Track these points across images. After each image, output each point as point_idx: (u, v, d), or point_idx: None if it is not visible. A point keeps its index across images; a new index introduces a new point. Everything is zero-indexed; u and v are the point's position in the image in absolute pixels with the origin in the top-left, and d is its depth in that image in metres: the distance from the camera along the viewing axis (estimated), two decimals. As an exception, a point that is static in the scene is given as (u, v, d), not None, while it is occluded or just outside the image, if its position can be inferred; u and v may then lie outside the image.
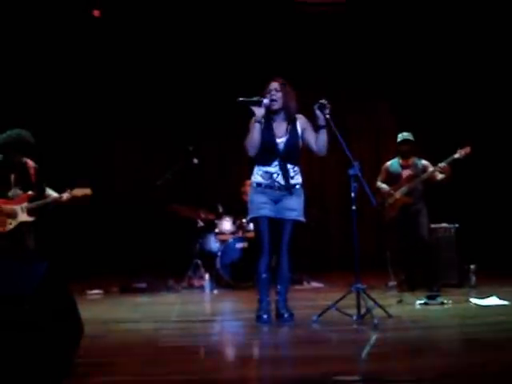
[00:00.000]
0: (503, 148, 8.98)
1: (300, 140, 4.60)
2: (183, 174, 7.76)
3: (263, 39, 9.31)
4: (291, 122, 4.58)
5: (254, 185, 4.59)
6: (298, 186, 4.59)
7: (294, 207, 4.54)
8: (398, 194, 6.41)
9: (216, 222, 7.63)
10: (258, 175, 4.59)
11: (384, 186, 6.54)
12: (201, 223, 7.65)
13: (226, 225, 7.56)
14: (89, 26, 8.62)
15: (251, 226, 7.37)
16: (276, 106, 4.52)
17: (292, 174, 4.55)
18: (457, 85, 9.31)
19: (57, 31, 8.56)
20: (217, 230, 7.60)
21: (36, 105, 8.52)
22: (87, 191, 5.66)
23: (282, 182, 4.51)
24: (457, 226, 6.77)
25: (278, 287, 4.55)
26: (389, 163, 6.64)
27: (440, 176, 6.22)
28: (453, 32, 9.04)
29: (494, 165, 9.00)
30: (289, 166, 4.53)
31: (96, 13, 8.34)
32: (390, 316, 4.39)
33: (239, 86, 9.12)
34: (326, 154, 4.57)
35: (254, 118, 4.49)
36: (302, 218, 4.58)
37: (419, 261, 6.26)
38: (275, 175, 4.52)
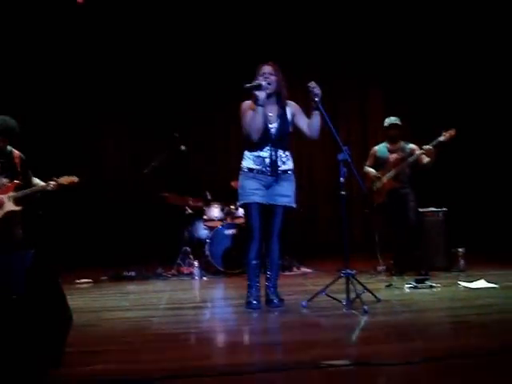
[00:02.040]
0: (491, 131, 9.02)
1: (291, 125, 4.57)
2: (171, 161, 7.73)
3: (253, 24, 9.27)
4: (282, 107, 4.54)
5: (245, 170, 4.52)
6: (289, 172, 4.55)
7: (286, 193, 4.51)
8: (385, 179, 6.44)
9: (204, 208, 7.62)
10: (249, 160, 4.52)
11: (371, 170, 6.57)
12: (189, 210, 7.64)
13: (215, 211, 7.56)
14: (73, 12, 8.52)
15: (240, 212, 7.38)
16: (270, 89, 4.43)
17: (284, 159, 4.52)
18: (444, 69, 9.33)
19: (41, 19, 8.46)
20: (205, 217, 7.60)
21: (20, 92, 8.42)
22: (74, 179, 5.61)
23: (274, 168, 4.46)
24: (445, 209, 6.80)
25: (268, 273, 4.55)
26: (376, 148, 6.67)
27: (426, 159, 6.24)
28: (443, 18, 9.04)
29: (481, 148, 9.04)
30: (280, 151, 4.49)
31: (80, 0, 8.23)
32: (378, 300, 4.42)
33: (227, 71, 9.14)
34: (318, 137, 4.52)
35: (258, 101, 4.37)
36: (293, 205, 4.56)
37: (407, 245, 6.29)
38: (267, 160, 4.46)
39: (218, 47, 9.36)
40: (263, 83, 4.38)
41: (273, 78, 4.46)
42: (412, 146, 6.45)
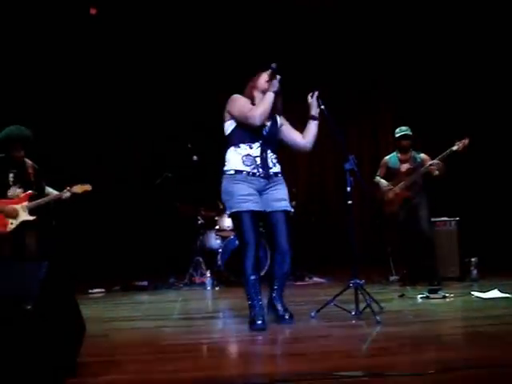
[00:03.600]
0: (504, 140, 8.97)
1: (279, 133, 4.29)
2: (183, 171, 7.76)
3: (259, 36, 9.28)
4: (273, 112, 4.22)
5: (232, 172, 4.03)
6: (280, 175, 4.21)
7: (283, 197, 4.16)
8: (397, 189, 6.42)
9: (217, 218, 7.63)
10: (236, 160, 4.06)
11: (383, 181, 6.56)
12: (201, 220, 7.65)
13: (227, 221, 7.56)
14: (86, 23, 8.59)
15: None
16: (277, 88, 4.14)
17: (274, 160, 4.17)
18: (456, 78, 9.30)
19: (54, 29, 8.53)
20: (217, 227, 7.60)
21: (31, 101, 8.48)
22: (87, 187, 5.64)
23: (265, 169, 4.06)
24: (458, 219, 6.78)
25: (276, 284, 4.15)
26: (387, 158, 6.66)
27: (436, 172, 6.22)
28: (450, 26, 9.03)
29: (494, 157, 8.99)
30: (270, 151, 4.13)
31: (92, 11, 8.31)
32: (381, 309, 4.38)
33: (236, 81, 9.16)
34: (311, 149, 4.30)
35: (273, 88, 4.08)
36: (291, 209, 4.24)
37: (420, 255, 6.26)
38: (258, 159, 4.05)
39: (227, 59, 9.36)
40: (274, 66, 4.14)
41: (278, 77, 4.18)
42: (423, 155, 6.45)
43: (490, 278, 6.30)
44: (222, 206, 7.71)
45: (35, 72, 8.66)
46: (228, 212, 4.15)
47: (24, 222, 5.29)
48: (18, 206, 5.29)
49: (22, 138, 5.26)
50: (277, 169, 4.17)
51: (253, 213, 3.98)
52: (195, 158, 7.54)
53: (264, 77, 4.20)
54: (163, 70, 9.45)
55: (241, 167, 4.02)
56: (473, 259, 6.48)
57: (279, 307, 4.12)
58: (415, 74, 9.53)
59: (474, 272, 6.44)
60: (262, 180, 4.05)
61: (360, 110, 10.13)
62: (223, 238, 7.45)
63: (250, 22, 9.15)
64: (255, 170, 4.03)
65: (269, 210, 4.09)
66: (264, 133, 4.13)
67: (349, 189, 4.33)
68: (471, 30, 8.83)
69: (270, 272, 4.26)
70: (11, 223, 5.26)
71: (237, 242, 7.25)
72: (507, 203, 8.84)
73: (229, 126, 4.15)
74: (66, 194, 5.55)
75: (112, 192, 9.22)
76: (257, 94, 4.20)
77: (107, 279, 7.52)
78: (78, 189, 5.60)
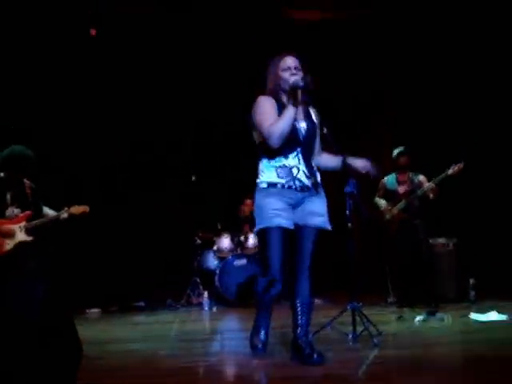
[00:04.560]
0: (501, 162, 8.97)
1: (317, 134, 3.70)
2: (181, 190, 7.77)
3: (257, 60, 9.29)
4: (306, 107, 3.66)
5: (264, 185, 3.53)
6: (320, 186, 3.63)
7: (320, 211, 3.57)
8: (395, 210, 6.44)
9: (214, 239, 7.63)
10: (270, 172, 3.53)
11: (382, 202, 6.58)
12: (199, 241, 7.65)
13: (225, 242, 7.57)
14: (86, 44, 8.63)
15: (250, 242, 7.35)
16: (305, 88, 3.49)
17: (313, 169, 3.60)
18: (453, 100, 9.33)
19: (55, 50, 8.56)
20: (215, 248, 7.60)
21: (31, 121, 8.48)
22: (85, 208, 5.61)
23: (305, 180, 3.52)
24: (455, 240, 6.78)
25: (299, 319, 3.57)
26: (385, 179, 6.69)
27: (431, 195, 6.27)
28: (448, 50, 9.06)
29: (491, 178, 8.99)
30: (307, 159, 3.56)
31: (93, 32, 8.36)
32: (380, 333, 4.34)
33: (235, 104, 9.17)
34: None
35: (296, 102, 3.44)
36: (328, 226, 3.62)
37: (418, 277, 6.26)
38: (295, 170, 3.50)
39: (223, 83, 9.37)
40: (300, 83, 3.47)
41: (300, 73, 3.56)
42: (421, 177, 6.48)
43: (488, 300, 6.28)
44: (220, 227, 7.73)
45: (36, 86, 8.66)
46: (256, 229, 3.59)
47: (21, 243, 5.27)
48: (15, 227, 5.27)
49: (24, 159, 5.26)
50: (316, 179, 3.60)
51: (282, 230, 3.46)
52: (194, 178, 7.56)
53: (288, 63, 3.59)
54: (159, 92, 9.44)
55: (275, 179, 3.50)
56: (470, 280, 6.47)
57: (303, 342, 3.51)
58: (416, 95, 9.55)
59: (472, 293, 6.44)
60: (298, 193, 3.51)
61: (361, 132, 10.14)
62: (221, 259, 7.45)
63: (247, 37, 9.16)
64: (291, 183, 3.49)
65: (300, 223, 3.54)
66: (300, 138, 3.54)
67: (348, 212, 4.32)
68: (469, 53, 8.86)
69: (291, 305, 3.65)
70: (8, 244, 5.23)
71: (234, 263, 7.26)
72: (504, 224, 8.83)
73: (258, 135, 3.57)
74: (64, 215, 5.53)
75: (111, 211, 9.20)
76: (282, 85, 3.59)
77: (104, 299, 7.48)
78: (76, 210, 5.57)
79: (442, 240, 6.82)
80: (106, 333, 5.33)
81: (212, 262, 7.66)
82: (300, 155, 3.53)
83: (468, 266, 6.75)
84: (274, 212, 3.45)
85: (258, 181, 3.60)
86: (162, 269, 8.71)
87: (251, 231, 7.53)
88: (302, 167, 3.52)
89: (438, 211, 6.90)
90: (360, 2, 8.55)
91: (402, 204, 6.41)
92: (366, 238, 8.73)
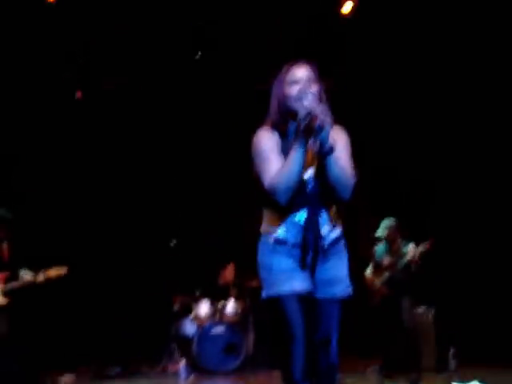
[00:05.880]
0: (482, 230, 9.03)
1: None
2: (160, 255, 7.71)
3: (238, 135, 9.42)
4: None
5: (271, 241, 2.73)
6: (341, 241, 2.82)
7: (339, 275, 2.80)
8: (378, 283, 6.41)
9: (193, 305, 7.52)
10: (276, 225, 2.74)
11: (368, 271, 6.56)
12: (177, 306, 7.54)
13: (203, 308, 7.44)
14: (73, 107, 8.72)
15: (229, 308, 7.27)
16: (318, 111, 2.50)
17: (332, 222, 2.77)
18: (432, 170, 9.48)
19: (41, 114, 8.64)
20: (193, 314, 7.48)
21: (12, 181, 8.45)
22: (63, 270, 5.56)
23: (317, 240, 2.72)
24: (434, 309, 6.78)
25: None
26: (376, 248, 6.62)
27: (412, 266, 6.28)
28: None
29: (472, 247, 9.05)
30: (325, 210, 2.74)
31: (79, 94, 8.47)
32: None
33: (218, 175, 9.29)
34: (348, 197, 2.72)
35: (302, 143, 2.55)
36: (349, 292, 2.84)
37: (399, 346, 6.20)
38: (309, 226, 2.70)
39: (206, 156, 9.48)
40: (305, 103, 2.53)
41: (314, 87, 2.68)
42: (410, 246, 6.38)
43: (469, 368, 6.22)
44: (198, 293, 7.62)
45: (24, 155, 8.70)
46: (264, 295, 2.78)
47: (-4, 306, 5.16)
48: (-10, 289, 5.17)
49: (2, 221, 5.23)
50: (335, 234, 2.78)
51: (298, 296, 2.68)
52: (173, 242, 7.53)
53: (298, 76, 2.71)
54: (143, 161, 9.49)
55: (283, 235, 2.72)
56: (451, 350, 6.43)
57: None
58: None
59: (453, 363, 6.38)
60: (312, 254, 2.72)
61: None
62: (199, 326, 7.32)
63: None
64: (303, 242, 2.71)
65: (320, 296, 2.76)
66: (308, 191, 2.71)
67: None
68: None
69: None
70: (-18, 306, 5.12)
71: (212, 330, 7.12)
72: (485, 291, 8.83)
73: (260, 181, 2.74)
74: (40, 278, 5.45)
75: (87, 275, 9.07)
76: (290, 107, 2.70)
77: (78, 364, 7.27)
78: (53, 273, 5.51)
79: (421, 310, 6.80)
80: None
81: (189, 328, 7.51)
82: (311, 211, 2.70)
83: (448, 335, 6.72)
84: (287, 274, 2.69)
85: (262, 230, 2.80)
86: (138, 334, 8.53)
87: (231, 297, 7.46)
88: (314, 224, 2.71)
89: (419, 279, 6.93)
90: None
91: (385, 276, 6.36)
92: (350, 306, 8.68)
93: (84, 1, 7.10)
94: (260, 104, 3.10)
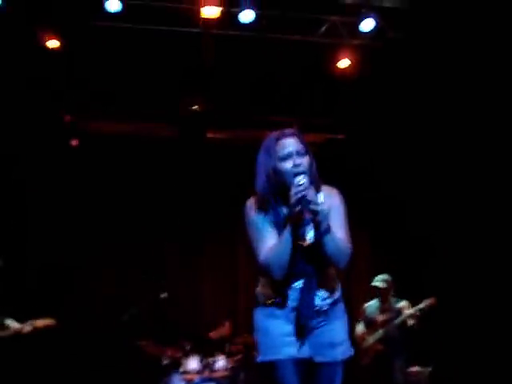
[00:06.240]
0: (476, 288, 8.94)
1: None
2: (150, 308, 7.55)
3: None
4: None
5: (269, 305, 2.78)
6: (339, 303, 2.85)
7: (338, 338, 2.79)
8: (371, 340, 6.25)
9: (182, 360, 7.31)
10: (273, 289, 2.77)
11: (359, 328, 6.40)
12: (165, 361, 7.32)
13: (193, 363, 7.23)
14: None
15: (219, 364, 7.07)
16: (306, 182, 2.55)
17: (329, 286, 2.78)
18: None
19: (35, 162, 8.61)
20: (182, 369, 7.26)
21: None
22: (51, 322, 5.42)
23: (317, 304, 2.72)
24: (430, 369, 6.62)
25: None
26: (366, 306, 6.51)
27: (411, 322, 6.14)
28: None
29: (465, 307, 8.95)
30: (322, 275, 2.75)
31: (74, 142, 8.48)
32: None
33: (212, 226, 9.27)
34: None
35: (291, 220, 2.59)
36: (351, 352, 2.87)
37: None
38: (306, 291, 2.71)
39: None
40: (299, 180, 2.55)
41: (305, 159, 2.69)
42: (403, 303, 6.30)
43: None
44: (188, 347, 7.43)
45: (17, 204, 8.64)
46: (260, 359, 2.77)
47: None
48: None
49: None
50: (335, 296, 2.81)
51: (296, 361, 2.70)
52: (163, 295, 7.37)
53: (288, 150, 2.69)
54: (136, 199, 9.46)
55: (279, 299, 2.75)
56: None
57: None
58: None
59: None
60: (309, 318, 2.72)
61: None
62: (187, 381, 7.09)
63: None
64: (301, 307, 2.70)
65: (318, 360, 2.74)
66: (305, 263, 2.71)
67: None
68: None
69: None
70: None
71: (203, 387, 6.91)
72: (483, 351, 8.67)
73: (254, 255, 2.77)
74: (27, 328, 5.30)
75: (74, 326, 8.87)
76: (282, 180, 2.69)
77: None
78: (41, 323, 5.37)
79: (416, 368, 6.64)
80: None
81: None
82: (309, 278, 2.71)
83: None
84: (283, 339, 2.71)
85: (257, 294, 2.84)
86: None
87: (222, 353, 7.28)
88: (311, 293, 2.70)
89: (413, 338, 6.80)
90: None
91: (378, 334, 6.22)
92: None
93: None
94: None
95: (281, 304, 2.74)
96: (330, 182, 2.89)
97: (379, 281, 6.34)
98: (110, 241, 9.45)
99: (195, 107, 8.11)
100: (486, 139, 7.89)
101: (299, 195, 2.51)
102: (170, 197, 9.57)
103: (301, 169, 2.62)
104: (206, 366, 7.25)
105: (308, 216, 2.57)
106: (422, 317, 6.07)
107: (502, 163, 7.50)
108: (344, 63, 7.31)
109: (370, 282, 6.47)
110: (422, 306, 6.05)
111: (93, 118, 8.65)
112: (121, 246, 9.46)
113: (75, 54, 7.15)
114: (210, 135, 8.83)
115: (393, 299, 6.38)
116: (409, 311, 6.07)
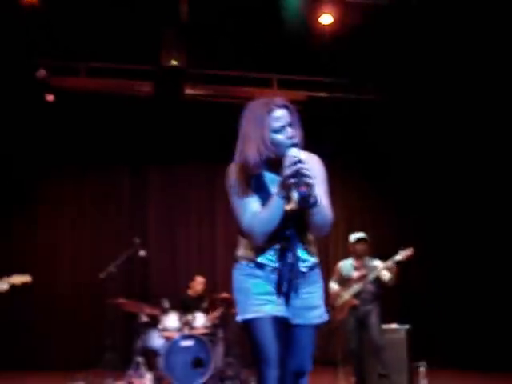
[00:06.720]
0: (454, 247, 9.06)
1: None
2: (129, 266, 7.52)
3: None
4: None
5: (244, 263, 2.77)
6: (316, 268, 2.85)
7: (315, 302, 2.82)
8: (346, 295, 6.28)
9: (161, 317, 7.30)
10: (253, 248, 2.74)
11: (335, 286, 6.41)
12: (144, 318, 7.31)
13: (171, 321, 7.22)
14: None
15: (198, 321, 7.09)
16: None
17: (309, 247, 2.80)
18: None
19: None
20: (161, 326, 7.25)
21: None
22: (27, 279, 5.33)
23: (299, 264, 2.74)
24: (407, 326, 6.68)
25: None
26: (341, 264, 6.49)
27: (386, 276, 6.15)
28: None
29: (443, 263, 9.08)
30: (302, 235, 2.77)
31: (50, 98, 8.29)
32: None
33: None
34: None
35: (284, 195, 2.58)
36: (325, 318, 2.87)
37: (370, 363, 6.10)
38: (287, 252, 2.72)
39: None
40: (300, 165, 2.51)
41: (295, 130, 2.70)
42: (377, 262, 6.33)
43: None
44: (166, 305, 7.41)
45: None
46: (240, 318, 2.76)
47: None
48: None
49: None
50: (311, 261, 2.80)
51: (275, 319, 2.69)
52: (142, 253, 7.32)
53: (282, 120, 2.67)
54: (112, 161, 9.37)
55: (260, 259, 2.73)
56: (422, 368, 6.34)
57: None
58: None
59: (424, 381, 6.30)
60: (289, 279, 2.72)
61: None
62: (166, 339, 7.10)
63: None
64: (281, 267, 2.72)
65: (296, 321, 2.78)
66: (290, 221, 2.71)
67: None
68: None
69: None
70: None
71: (181, 344, 6.91)
72: (458, 309, 8.81)
73: (236, 219, 2.76)
74: (4, 286, 5.22)
75: (53, 283, 8.86)
76: (273, 150, 2.66)
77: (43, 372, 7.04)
78: (17, 279, 5.28)
79: (394, 326, 6.71)
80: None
81: (157, 341, 7.28)
82: (291, 233, 2.71)
83: (420, 351, 6.64)
84: (263, 298, 2.70)
85: (237, 254, 2.81)
86: (103, 346, 8.28)
87: (200, 310, 7.30)
88: (292, 250, 2.71)
89: (390, 296, 6.86)
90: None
91: (355, 289, 6.24)
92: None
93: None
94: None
95: (262, 265, 2.73)
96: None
97: (363, 236, 6.35)
98: (87, 200, 9.39)
99: (174, 63, 7.90)
100: (471, 114, 7.95)
101: (295, 168, 2.49)
102: (147, 154, 9.47)
103: (295, 140, 2.62)
104: (186, 324, 7.26)
105: (303, 189, 2.48)
106: (398, 272, 6.09)
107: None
108: (326, 19, 7.19)
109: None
110: (398, 257, 6.03)
111: (68, 73, 8.44)
112: (99, 205, 9.40)
113: (51, 9, 6.96)
114: (188, 91, 8.65)
115: (367, 257, 6.38)
116: (385, 263, 6.07)
